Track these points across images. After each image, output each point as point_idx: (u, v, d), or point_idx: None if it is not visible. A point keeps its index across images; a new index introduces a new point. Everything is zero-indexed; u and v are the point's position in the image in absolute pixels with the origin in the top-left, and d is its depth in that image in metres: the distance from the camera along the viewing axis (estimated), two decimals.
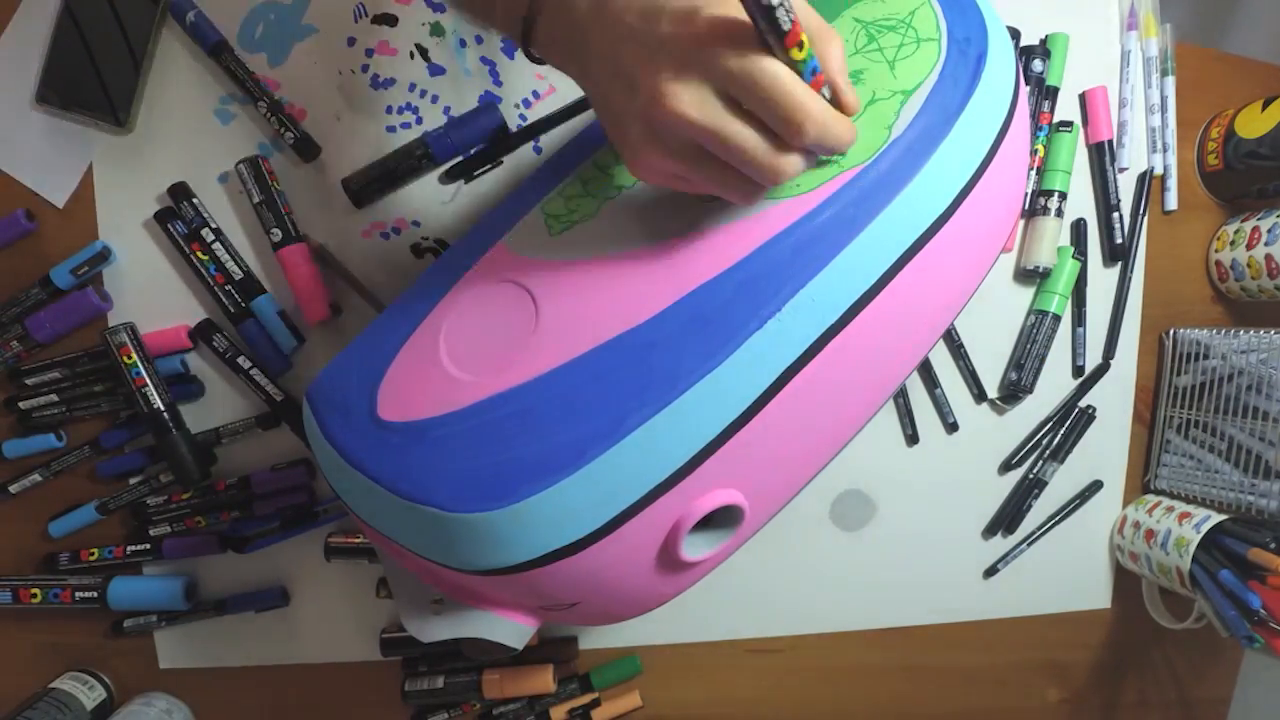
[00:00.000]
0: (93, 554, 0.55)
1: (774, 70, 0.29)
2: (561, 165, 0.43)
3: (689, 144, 0.31)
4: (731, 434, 0.34)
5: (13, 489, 0.55)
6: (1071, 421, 0.59)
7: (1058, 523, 0.60)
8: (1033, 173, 0.57)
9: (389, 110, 0.54)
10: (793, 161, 0.32)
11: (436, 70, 0.54)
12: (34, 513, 0.56)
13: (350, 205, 0.53)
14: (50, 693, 0.54)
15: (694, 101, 0.30)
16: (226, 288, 0.53)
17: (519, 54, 0.53)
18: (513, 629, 0.40)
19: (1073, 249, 0.57)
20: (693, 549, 0.37)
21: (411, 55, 0.53)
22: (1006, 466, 0.59)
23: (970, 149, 0.37)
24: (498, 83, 0.54)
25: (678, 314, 0.34)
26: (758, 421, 0.35)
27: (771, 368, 0.34)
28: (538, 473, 0.32)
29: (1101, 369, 0.59)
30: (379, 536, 0.38)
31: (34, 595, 0.54)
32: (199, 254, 0.53)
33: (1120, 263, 0.58)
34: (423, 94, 0.54)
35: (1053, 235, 0.56)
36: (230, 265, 0.53)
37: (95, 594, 0.54)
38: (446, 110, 0.54)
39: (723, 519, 0.38)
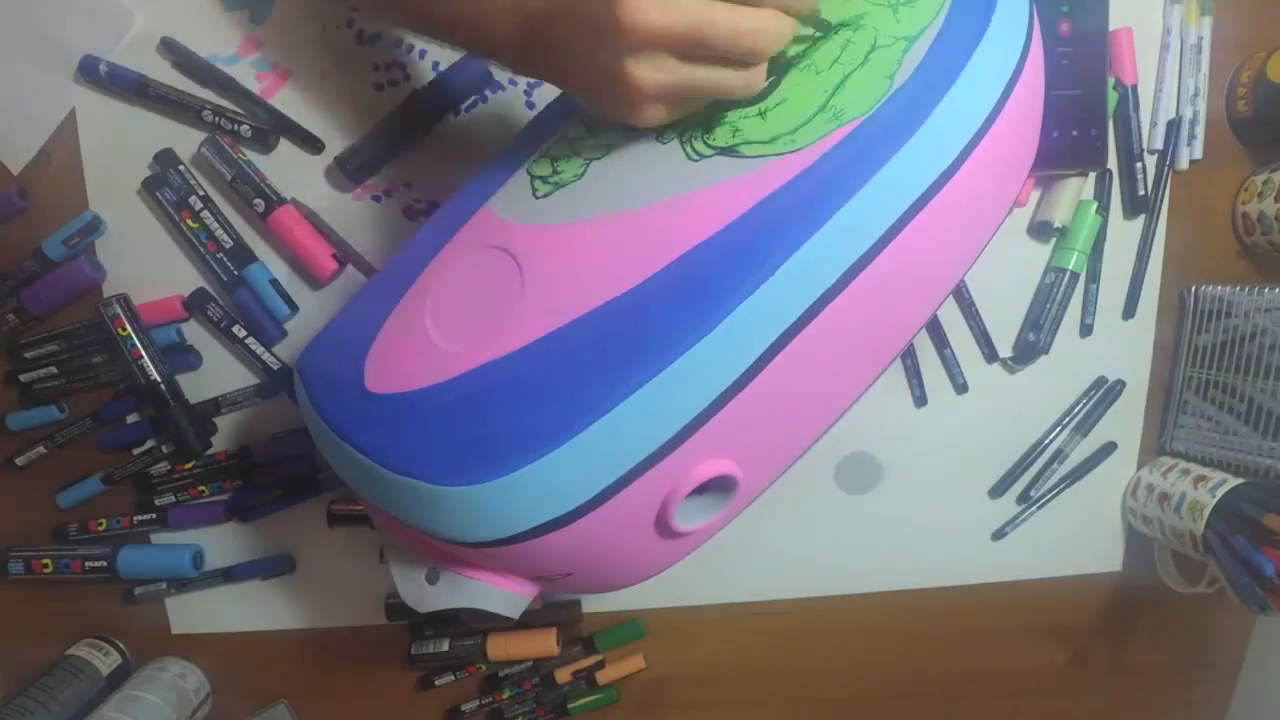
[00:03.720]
0: (100, 524, 0.56)
1: None
2: (546, 125, 0.41)
3: (675, 86, 0.33)
4: (724, 403, 0.33)
5: (19, 461, 0.55)
6: (1100, 395, 0.57)
7: (1069, 485, 0.59)
8: None
9: (375, 68, 0.52)
10: (765, 16, 0.32)
11: None
12: (41, 485, 0.56)
13: (337, 166, 0.52)
14: (67, 660, 0.55)
15: (652, 69, 0.32)
16: (219, 255, 0.52)
17: None
18: (508, 598, 0.39)
19: (1096, 203, 0.55)
20: (686, 519, 0.37)
21: None
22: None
23: (979, 98, 0.35)
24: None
25: (668, 279, 0.33)
26: (751, 390, 0.33)
27: (765, 334, 0.33)
28: (525, 445, 0.31)
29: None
30: (371, 507, 0.38)
31: (45, 566, 0.55)
32: (189, 222, 0.52)
33: (1143, 215, 0.56)
34: (409, 49, 0.52)
35: (1074, 192, 0.54)
36: (220, 234, 0.52)
37: (105, 563, 0.55)
38: (435, 66, 0.52)
39: (717, 488, 0.37)
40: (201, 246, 0.52)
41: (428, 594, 0.39)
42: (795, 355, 0.34)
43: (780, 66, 0.36)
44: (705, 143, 0.36)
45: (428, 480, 0.33)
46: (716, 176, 0.34)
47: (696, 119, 0.36)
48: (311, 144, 0.52)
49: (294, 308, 0.54)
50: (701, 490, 0.36)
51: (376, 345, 0.37)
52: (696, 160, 0.35)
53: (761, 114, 0.35)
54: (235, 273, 0.52)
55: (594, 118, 0.40)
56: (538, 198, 0.38)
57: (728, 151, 0.35)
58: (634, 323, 0.33)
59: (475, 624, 0.52)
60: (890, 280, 0.35)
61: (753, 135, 0.35)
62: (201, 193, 0.52)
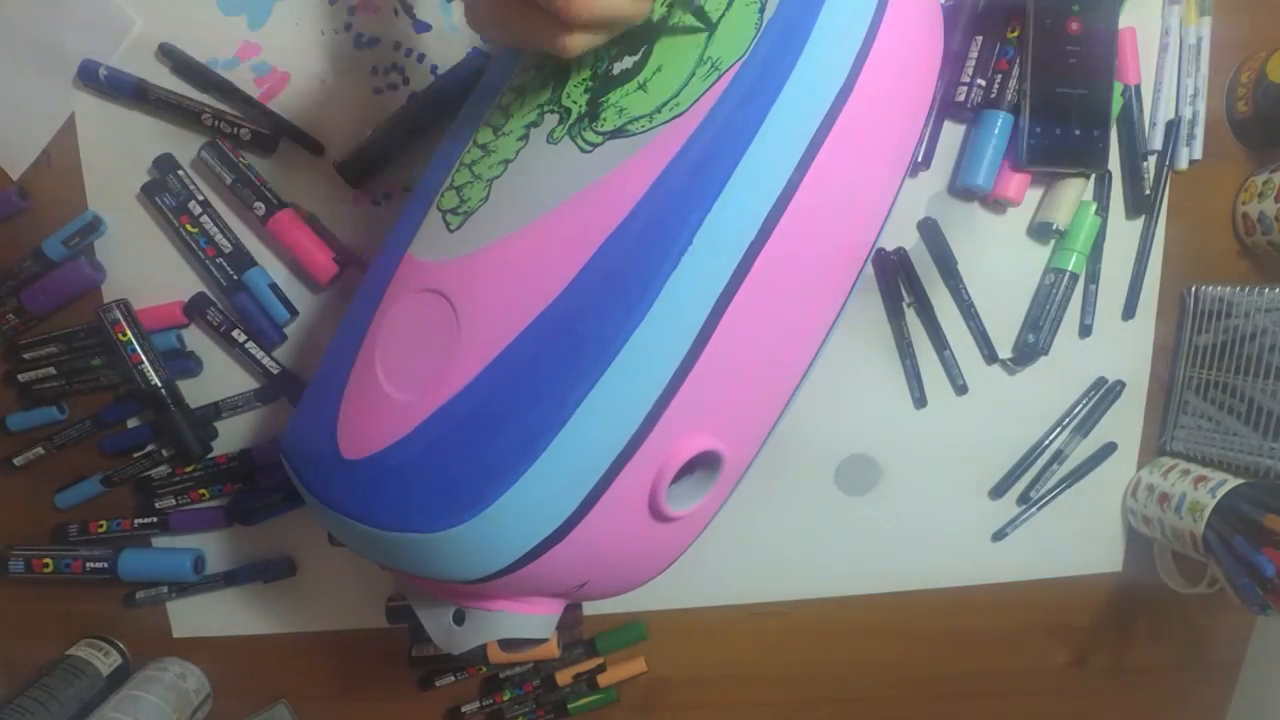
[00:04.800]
0: (101, 526, 0.56)
1: None
2: (446, 157, 0.42)
3: None
4: (681, 381, 0.33)
5: (16, 461, 0.55)
6: (1100, 395, 0.57)
7: (1069, 485, 0.59)
8: None
9: (374, 71, 0.52)
10: None
11: (422, 27, 0.51)
12: (40, 485, 0.56)
13: (337, 172, 0.52)
14: (67, 660, 0.55)
15: None
16: (218, 260, 0.52)
17: None
18: (534, 621, 0.39)
19: (1095, 204, 0.55)
20: (681, 502, 0.37)
21: (396, 12, 0.51)
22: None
23: (856, 8, 0.34)
24: (485, 38, 0.52)
25: (590, 276, 0.32)
26: (705, 360, 0.33)
27: (701, 302, 0.32)
28: (497, 474, 0.32)
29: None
30: (381, 564, 0.38)
31: (46, 565, 0.55)
32: (188, 227, 0.52)
33: (1143, 216, 0.56)
34: (408, 53, 0.52)
35: (1076, 193, 0.54)
36: (219, 238, 0.52)
37: (106, 564, 0.55)
38: (434, 69, 0.52)
39: (704, 465, 0.37)
40: (201, 251, 0.52)
41: (456, 635, 0.39)
42: (739, 314, 0.33)
43: (649, 34, 0.36)
44: (594, 131, 0.35)
45: (418, 531, 0.33)
46: (613, 162, 0.34)
47: (581, 109, 0.36)
48: (311, 147, 0.52)
49: (294, 312, 0.53)
50: (691, 470, 0.36)
51: (343, 411, 0.38)
52: (590, 151, 0.35)
53: (642, 86, 0.35)
54: (235, 277, 0.52)
55: (485, 136, 0.39)
56: (452, 231, 0.38)
57: (617, 134, 0.34)
58: (570, 327, 0.32)
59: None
60: (815, 215, 0.34)
61: (638, 111, 0.34)
62: (201, 197, 0.52)
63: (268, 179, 0.52)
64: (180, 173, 0.52)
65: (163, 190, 0.52)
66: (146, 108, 0.51)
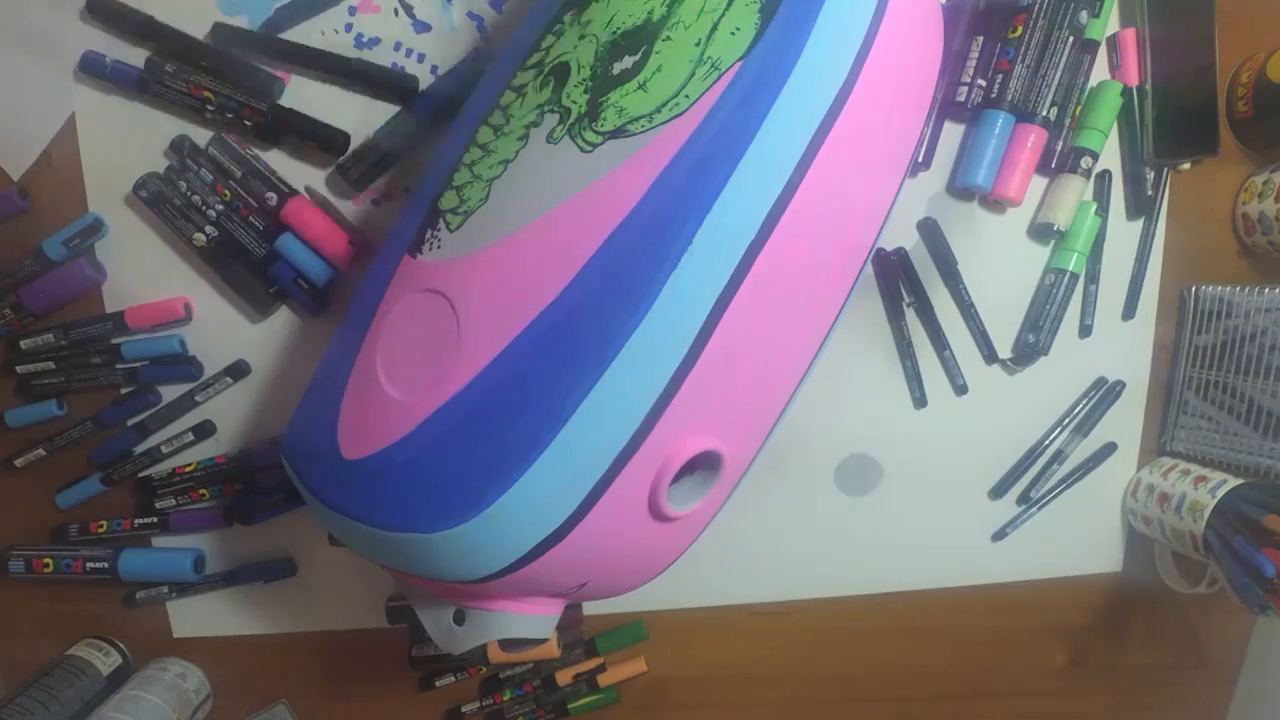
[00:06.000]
0: (101, 526, 0.56)
1: None
2: (446, 157, 0.42)
3: None
4: (681, 380, 0.33)
5: (18, 463, 0.55)
6: (1100, 395, 0.57)
7: (1069, 485, 0.59)
8: (1068, 129, 0.54)
9: None
10: None
11: (422, 27, 0.51)
12: (40, 485, 0.56)
13: (337, 172, 0.52)
14: (67, 659, 0.55)
15: None
16: (249, 219, 0.52)
17: (507, 7, 0.51)
18: (534, 621, 0.39)
19: (1095, 204, 0.55)
20: (681, 502, 0.37)
21: (396, 12, 0.51)
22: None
23: (856, 7, 0.34)
24: (485, 38, 0.52)
25: (590, 276, 0.33)
26: (706, 360, 0.33)
27: (702, 301, 0.33)
28: (497, 474, 0.32)
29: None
30: (381, 564, 0.39)
31: (46, 565, 0.55)
32: (224, 194, 0.51)
33: (1143, 216, 0.56)
34: (409, 53, 0.52)
35: (1077, 194, 0.54)
36: (250, 215, 0.52)
37: (106, 564, 0.55)
38: (434, 70, 0.52)
39: (705, 465, 0.37)
40: (236, 216, 0.52)
41: (457, 635, 0.39)
42: (739, 314, 0.33)
43: (650, 33, 0.36)
44: (594, 131, 0.35)
45: (419, 531, 0.33)
46: (613, 162, 0.34)
47: (581, 109, 0.36)
48: (332, 143, 0.51)
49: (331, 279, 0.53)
50: (691, 470, 0.37)
51: (344, 411, 0.38)
52: (590, 151, 0.35)
53: (642, 86, 0.35)
54: (269, 247, 0.52)
55: (485, 136, 0.40)
56: (452, 231, 0.38)
57: (618, 134, 0.34)
58: (570, 327, 0.32)
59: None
60: (815, 215, 0.34)
61: (638, 110, 0.34)
62: (229, 174, 0.51)
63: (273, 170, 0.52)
64: (207, 149, 0.51)
65: (183, 172, 0.52)
66: (148, 101, 0.51)
